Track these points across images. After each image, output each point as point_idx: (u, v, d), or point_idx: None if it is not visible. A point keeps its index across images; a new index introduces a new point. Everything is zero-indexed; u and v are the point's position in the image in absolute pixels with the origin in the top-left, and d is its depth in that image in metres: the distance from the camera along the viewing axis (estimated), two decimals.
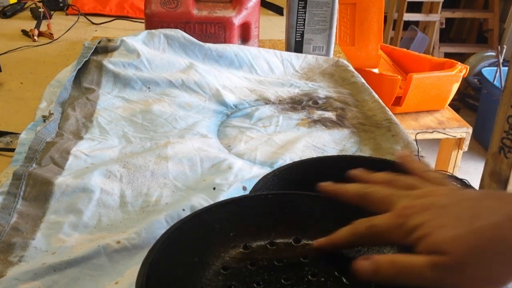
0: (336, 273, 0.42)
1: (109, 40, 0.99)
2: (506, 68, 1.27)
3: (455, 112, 1.86)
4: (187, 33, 1.04)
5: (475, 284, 0.34)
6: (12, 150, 0.72)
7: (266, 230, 0.46)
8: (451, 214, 0.36)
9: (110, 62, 0.93)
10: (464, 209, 0.36)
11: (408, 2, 2.84)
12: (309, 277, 0.41)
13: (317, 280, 0.41)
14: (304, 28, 1.11)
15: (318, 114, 0.89)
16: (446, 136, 1.72)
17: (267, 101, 0.93)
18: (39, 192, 0.61)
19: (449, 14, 3.05)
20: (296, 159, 0.71)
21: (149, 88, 0.92)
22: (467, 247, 0.33)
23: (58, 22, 1.39)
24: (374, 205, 0.41)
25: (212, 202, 0.58)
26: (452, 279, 0.33)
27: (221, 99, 0.90)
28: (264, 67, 1.05)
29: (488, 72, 2.50)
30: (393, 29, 2.98)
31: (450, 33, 3.46)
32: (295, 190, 0.49)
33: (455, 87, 1.79)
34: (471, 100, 2.81)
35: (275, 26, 1.45)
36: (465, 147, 1.77)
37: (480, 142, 2.55)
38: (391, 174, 0.44)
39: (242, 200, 0.47)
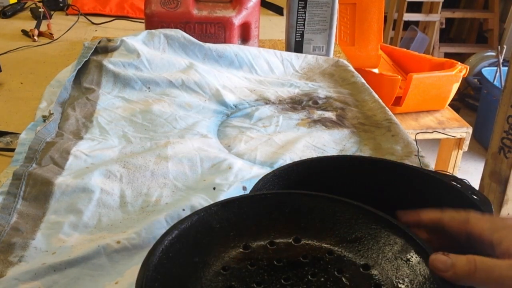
0: (336, 273, 0.42)
1: (109, 40, 0.99)
2: (506, 68, 1.27)
3: (455, 112, 1.86)
4: (187, 33, 1.04)
5: None
6: (12, 150, 0.72)
7: (266, 229, 0.46)
8: None
9: (110, 62, 0.93)
10: None
11: (408, 2, 2.83)
12: (309, 277, 0.41)
13: (317, 280, 0.41)
14: (304, 28, 1.11)
15: (318, 114, 0.89)
16: (446, 136, 1.72)
17: (267, 101, 0.93)
18: (39, 192, 0.61)
19: (449, 14, 3.05)
20: (296, 159, 0.71)
21: (149, 88, 0.92)
22: None
23: (58, 22, 1.39)
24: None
25: (212, 202, 0.58)
26: None
27: (221, 99, 0.90)
28: (264, 67, 1.05)
29: (488, 72, 2.50)
30: (393, 29, 2.98)
31: (450, 33, 3.46)
32: (295, 190, 0.49)
33: (455, 87, 1.79)
34: (471, 100, 2.81)
35: (275, 26, 1.45)
36: (465, 147, 1.77)
37: (480, 142, 2.55)
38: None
39: (242, 199, 0.47)
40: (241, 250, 0.44)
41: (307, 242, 0.45)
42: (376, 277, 0.41)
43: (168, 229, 0.42)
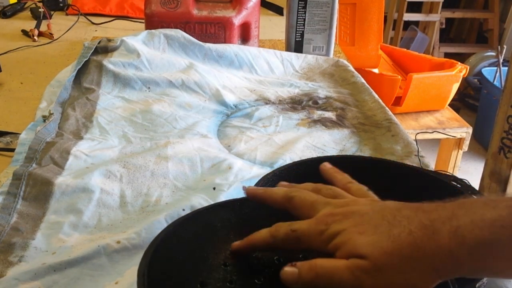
0: None
1: (109, 40, 0.99)
2: (506, 68, 1.27)
3: (455, 112, 1.86)
4: (187, 33, 1.04)
5: None
6: (12, 150, 0.72)
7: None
8: (371, 222, 0.37)
9: (110, 62, 0.93)
10: (383, 217, 0.37)
11: (408, 2, 2.84)
12: None
13: None
14: (304, 28, 1.11)
15: (318, 114, 0.89)
16: (446, 136, 1.72)
17: (267, 101, 0.93)
18: (39, 192, 0.61)
19: (449, 14, 3.05)
20: (296, 159, 0.71)
21: (149, 88, 0.92)
22: (385, 252, 0.34)
23: (58, 22, 1.39)
24: (298, 210, 0.42)
25: (212, 202, 0.58)
26: (370, 283, 0.34)
27: (221, 99, 0.90)
28: (264, 67, 1.05)
29: (488, 72, 2.50)
30: (393, 29, 2.98)
31: (450, 33, 3.46)
32: None
33: (455, 87, 1.79)
34: (471, 100, 2.81)
35: (275, 26, 1.45)
36: (465, 147, 1.77)
37: (480, 142, 2.55)
38: (319, 184, 0.45)
39: (243, 201, 0.47)
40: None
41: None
42: None
43: (170, 224, 0.42)
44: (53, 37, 1.28)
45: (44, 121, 0.76)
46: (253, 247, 0.42)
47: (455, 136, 1.74)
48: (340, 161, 0.60)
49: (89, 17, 1.43)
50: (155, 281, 0.37)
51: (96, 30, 1.37)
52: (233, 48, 1.04)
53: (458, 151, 1.78)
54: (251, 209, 0.46)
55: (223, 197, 0.61)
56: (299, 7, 1.09)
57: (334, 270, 0.35)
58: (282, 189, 0.45)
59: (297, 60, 1.09)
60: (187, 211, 0.58)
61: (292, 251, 0.43)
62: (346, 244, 0.36)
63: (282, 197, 0.43)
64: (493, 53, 2.83)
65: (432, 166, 0.75)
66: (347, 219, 0.38)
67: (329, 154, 0.75)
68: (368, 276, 0.34)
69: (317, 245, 0.38)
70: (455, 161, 1.80)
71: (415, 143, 0.76)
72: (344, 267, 0.35)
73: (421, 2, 2.99)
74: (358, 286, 0.34)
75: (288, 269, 0.37)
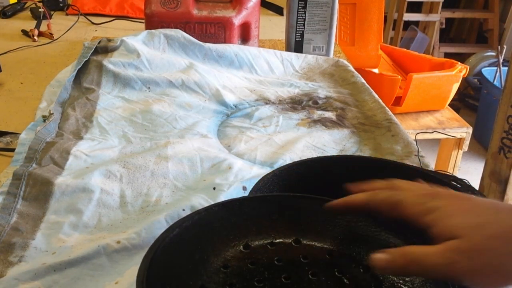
0: (336, 273, 0.42)
1: (109, 40, 0.99)
2: (506, 68, 1.27)
3: (455, 112, 1.86)
4: (187, 33, 1.04)
5: (485, 276, 0.34)
6: (12, 150, 0.72)
7: (266, 230, 0.46)
8: (474, 204, 0.37)
9: (110, 62, 0.93)
10: (485, 204, 0.37)
11: (408, 2, 2.83)
12: (310, 276, 0.41)
13: (318, 279, 0.41)
14: (304, 28, 1.11)
15: (318, 114, 0.89)
16: (446, 136, 1.72)
17: (267, 101, 0.92)
18: (39, 192, 0.61)
19: (449, 14, 3.05)
20: (296, 159, 0.71)
21: (149, 88, 0.92)
22: (484, 235, 0.34)
23: (58, 22, 1.39)
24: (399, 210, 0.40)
25: (212, 202, 0.58)
26: (463, 267, 0.34)
27: (221, 99, 0.90)
28: (264, 67, 1.05)
29: (488, 72, 2.50)
30: (393, 29, 2.98)
31: (450, 33, 3.46)
32: (295, 190, 0.49)
33: (455, 87, 1.79)
34: (471, 100, 2.81)
35: (275, 26, 1.45)
36: (465, 147, 1.77)
37: (480, 142, 2.55)
38: (390, 180, 0.44)
39: (242, 201, 0.47)
40: (241, 249, 0.44)
41: (307, 243, 0.45)
42: (377, 277, 0.41)
43: (169, 226, 0.42)
44: (53, 37, 1.28)
45: (44, 121, 0.76)
46: (348, 207, 0.42)
47: (455, 136, 1.74)
48: (340, 161, 0.60)
49: (89, 17, 1.43)
50: None
51: (96, 30, 1.37)
52: (233, 48, 1.04)
53: (458, 151, 1.78)
54: (250, 209, 0.46)
55: (223, 197, 0.61)
56: (299, 7, 1.09)
57: (425, 255, 0.35)
58: (360, 195, 0.43)
59: (297, 60, 1.09)
60: (187, 211, 0.58)
61: (297, 260, 0.43)
62: (443, 220, 0.36)
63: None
64: (493, 53, 2.83)
65: (432, 166, 0.75)
66: (449, 198, 0.38)
67: (329, 154, 0.75)
68: (463, 257, 0.34)
69: (412, 215, 0.38)
70: (455, 161, 1.80)
71: (415, 143, 0.76)
72: (436, 251, 0.35)
73: (421, 2, 2.99)
74: (451, 268, 0.34)
75: (379, 255, 0.37)
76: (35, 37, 1.26)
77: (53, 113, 0.78)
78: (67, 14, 1.48)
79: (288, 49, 1.14)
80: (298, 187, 0.52)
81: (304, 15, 1.10)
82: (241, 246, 0.44)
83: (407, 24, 2.98)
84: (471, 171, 2.39)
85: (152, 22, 1.09)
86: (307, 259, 0.43)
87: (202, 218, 0.44)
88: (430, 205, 0.37)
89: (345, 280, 0.41)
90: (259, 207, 0.46)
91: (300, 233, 0.46)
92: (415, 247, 0.36)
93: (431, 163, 0.83)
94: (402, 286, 0.40)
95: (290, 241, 0.45)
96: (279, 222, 0.46)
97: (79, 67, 0.92)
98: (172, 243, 0.40)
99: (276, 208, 0.47)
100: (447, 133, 1.69)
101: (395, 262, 0.36)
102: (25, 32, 1.29)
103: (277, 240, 0.45)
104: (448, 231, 0.35)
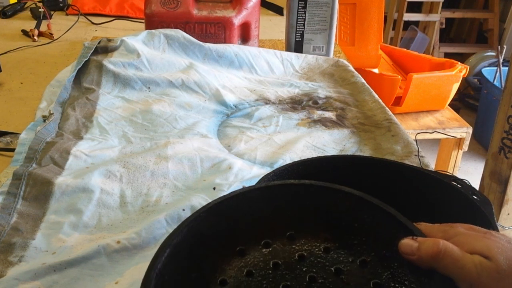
0: (333, 272, 0.41)
1: (109, 40, 0.99)
2: (506, 68, 1.27)
3: (455, 112, 1.86)
4: (187, 33, 1.04)
5: None
6: (12, 150, 0.72)
7: (260, 229, 0.44)
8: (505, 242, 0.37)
9: (110, 62, 0.93)
10: None
11: (408, 2, 2.83)
12: (307, 279, 0.41)
13: (316, 282, 0.41)
14: (304, 28, 1.11)
15: (318, 114, 0.89)
16: (446, 136, 1.72)
17: (267, 101, 0.92)
18: (39, 192, 0.61)
19: (449, 14, 3.05)
20: (296, 159, 0.71)
21: (149, 88, 0.92)
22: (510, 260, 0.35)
23: (58, 22, 1.39)
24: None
25: None
26: (491, 285, 0.34)
27: (221, 99, 0.90)
28: (264, 67, 1.05)
29: (488, 72, 2.50)
30: (393, 29, 2.98)
31: (450, 33, 3.46)
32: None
33: (455, 87, 1.79)
34: (471, 100, 2.81)
35: (275, 26, 1.45)
36: (465, 147, 1.77)
37: (480, 142, 2.55)
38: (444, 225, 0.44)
39: (228, 200, 0.44)
40: (236, 257, 0.43)
41: (302, 240, 0.44)
42: (374, 275, 0.41)
43: (160, 247, 0.39)
44: (53, 37, 1.28)
45: (44, 121, 0.76)
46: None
47: (455, 136, 1.74)
48: (340, 161, 0.60)
49: (89, 17, 1.43)
50: None
51: (96, 30, 1.37)
52: (233, 48, 1.04)
53: (458, 151, 1.78)
54: (237, 208, 0.44)
55: None
56: (299, 7, 1.09)
57: (460, 256, 0.36)
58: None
59: (297, 60, 1.09)
60: (187, 211, 0.58)
61: (294, 262, 0.42)
62: (471, 241, 0.37)
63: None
64: (493, 53, 2.83)
65: (432, 166, 0.75)
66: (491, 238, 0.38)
67: (329, 154, 0.75)
68: (490, 278, 0.35)
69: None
70: (455, 161, 1.80)
71: (415, 143, 0.76)
72: (471, 259, 0.35)
73: (421, 2, 2.99)
74: (477, 281, 0.35)
75: (407, 240, 0.38)
76: (35, 37, 1.26)
77: (53, 113, 0.78)
78: (67, 14, 1.48)
79: (288, 49, 1.14)
80: None
81: (304, 15, 1.10)
82: (236, 253, 0.43)
83: (407, 24, 2.98)
84: (471, 171, 2.39)
85: (152, 22, 1.09)
86: (304, 259, 0.42)
87: (192, 230, 0.42)
88: (457, 231, 0.39)
89: (344, 279, 0.40)
90: (247, 204, 0.44)
91: (294, 227, 0.44)
92: (449, 244, 0.37)
93: (431, 163, 0.83)
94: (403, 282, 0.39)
95: (284, 239, 0.44)
96: (270, 218, 0.44)
97: (79, 67, 0.92)
98: (166, 267, 0.38)
99: (264, 203, 0.45)
100: (447, 133, 1.69)
101: (423, 250, 0.37)
102: (25, 32, 1.29)
103: (271, 240, 0.43)
104: (475, 250, 0.36)
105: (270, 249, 0.43)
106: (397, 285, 0.39)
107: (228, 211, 0.44)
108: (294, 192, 0.45)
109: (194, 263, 0.41)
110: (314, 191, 0.45)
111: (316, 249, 0.43)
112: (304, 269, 0.41)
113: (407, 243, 0.38)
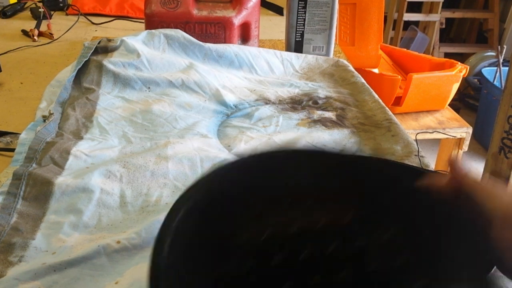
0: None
1: (109, 40, 0.99)
2: (506, 68, 1.27)
3: (455, 112, 1.86)
4: (187, 33, 1.04)
5: None
6: (12, 150, 0.72)
7: (284, 195, 0.41)
8: None
9: (110, 62, 0.93)
10: None
11: (408, 2, 2.83)
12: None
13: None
14: (304, 28, 1.11)
15: (318, 114, 0.89)
16: (446, 136, 1.72)
17: (267, 101, 0.92)
18: (39, 192, 0.61)
19: (449, 14, 3.05)
20: None
21: (149, 88, 0.92)
22: None
23: (58, 22, 1.39)
24: None
25: None
26: None
27: (221, 99, 0.90)
28: (264, 67, 1.05)
29: (488, 72, 2.49)
30: (393, 29, 2.98)
31: (450, 33, 3.46)
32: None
33: (455, 87, 1.79)
34: (471, 100, 2.81)
35: (275, 26, 1.45)
36: (465, 147, 1.77)
37: (480, 142, 2.55)
38: None
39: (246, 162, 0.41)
40: (255, 221, 0.40)
41: (325, 210, 0.40)
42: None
43: (176, 202, 0.36)
44: (53, 37, 1.28)
45: (44, 121, 0.76)
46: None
47: (455, 136, 1.74)
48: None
49: (89, 17, 1.43)
50: None
51: (96, 30, 1.37)
52: (233, 48, 1.04)
53: (458, 151, 1.78)
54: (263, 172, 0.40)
55: None
56: (299, 7, 1.09)
57: (496, 188, 0.36)
58: None
59: (297, 60, 1.09)
60: None
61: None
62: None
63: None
64: (493, 53, 2.83)
65: (432, 166, 0.75)
66: None
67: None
68: None
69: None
70: None
71: (415, 143, 0.76)
72: (508, 192, 0.36)
73: (421, 2, 2.98)
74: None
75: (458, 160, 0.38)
76: (35, 37, 1.26)
77: (53, 113, 0.78)
78: (67, 14, 1.48)
79: (288, 49, 1.14)
80: None
81: (304, 15, 1.10)
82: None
83: (407, 24, 2.98)
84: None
85: (152, 22, 1.09)
86: (326, 231, 0.40)
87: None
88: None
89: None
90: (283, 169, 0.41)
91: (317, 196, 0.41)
92: None
93: (431, 163, 0.83)
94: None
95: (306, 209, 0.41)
96: (295, 189, 0.41)
97: (79, 67, 0.92)
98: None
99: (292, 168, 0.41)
100: (447, 133, 1.69)
101: (471, 177, 0.37)
102: (25, 32, 1.29)
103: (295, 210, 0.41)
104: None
105: (292, 216, 0.41)
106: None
107: (257, 172, 0.41)
108: (330, 164, 0.42)
109: (212, 223, 0.39)
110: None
111: (339, 220, 0.40)
112: (325, 240, 0.40)
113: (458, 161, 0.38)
